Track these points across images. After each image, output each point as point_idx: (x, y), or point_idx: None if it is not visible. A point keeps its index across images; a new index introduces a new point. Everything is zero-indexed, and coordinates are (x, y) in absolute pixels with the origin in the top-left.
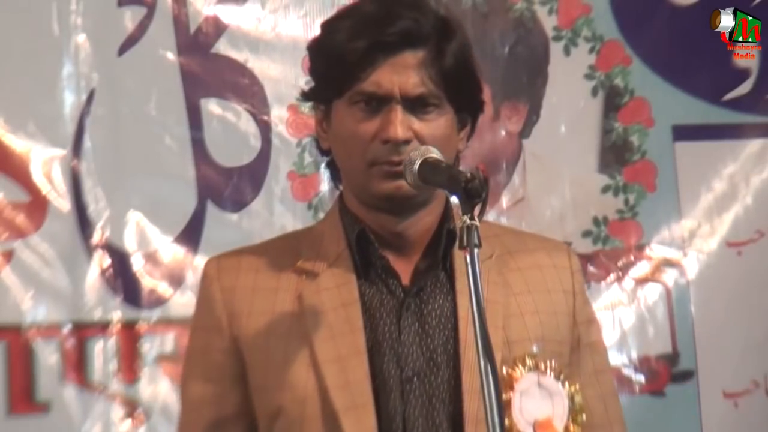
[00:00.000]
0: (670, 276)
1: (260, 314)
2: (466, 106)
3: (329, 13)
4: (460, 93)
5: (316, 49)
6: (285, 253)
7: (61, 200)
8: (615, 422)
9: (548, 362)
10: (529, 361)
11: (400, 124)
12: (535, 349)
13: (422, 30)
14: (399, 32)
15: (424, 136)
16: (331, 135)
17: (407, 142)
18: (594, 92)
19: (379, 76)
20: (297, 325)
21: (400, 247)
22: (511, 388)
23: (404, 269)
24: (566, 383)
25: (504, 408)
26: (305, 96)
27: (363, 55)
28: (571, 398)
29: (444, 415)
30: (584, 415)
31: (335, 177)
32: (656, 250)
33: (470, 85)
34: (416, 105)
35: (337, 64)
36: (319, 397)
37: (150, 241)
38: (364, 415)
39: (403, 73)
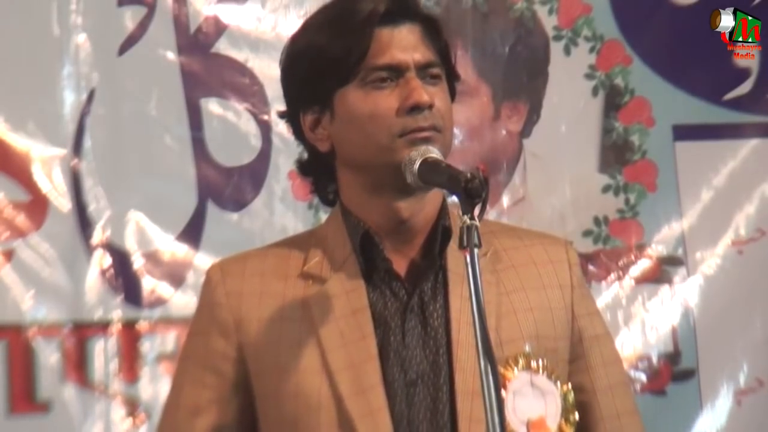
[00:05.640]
0: (670, 275)
1: (268, 321)
2: (452, 91)
3: None
4: (453, 72)
5: (303, 51)
6: (289, 257)
7: (61, 200)
8: (624, 413)
9: (541, 361)
10: (521, 361)
11: (423, 89)
12: (527, 348)
13: (416, 3)
14: (395, 1)
15: (438, 104)
16: (338, 127)
17: (431, 107)
18: (594, 92)
19: (389, 48)
20: (307, 331)
21: (402, 240)
22: (504, 387)
23: (404, 268)
24: (558, 382)
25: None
26: (290, 109)
27: (369, 30)
28: (564, 397)
29: (448, 417)
30: (577, 414)
31: (324, 197)
32: (657, 250)
33: (454, 70)
34: (425, 74)
35: (341, 49)
36: (334, 405)
37: (150, 241)
38: (380, 420)
39: (409, 43)
